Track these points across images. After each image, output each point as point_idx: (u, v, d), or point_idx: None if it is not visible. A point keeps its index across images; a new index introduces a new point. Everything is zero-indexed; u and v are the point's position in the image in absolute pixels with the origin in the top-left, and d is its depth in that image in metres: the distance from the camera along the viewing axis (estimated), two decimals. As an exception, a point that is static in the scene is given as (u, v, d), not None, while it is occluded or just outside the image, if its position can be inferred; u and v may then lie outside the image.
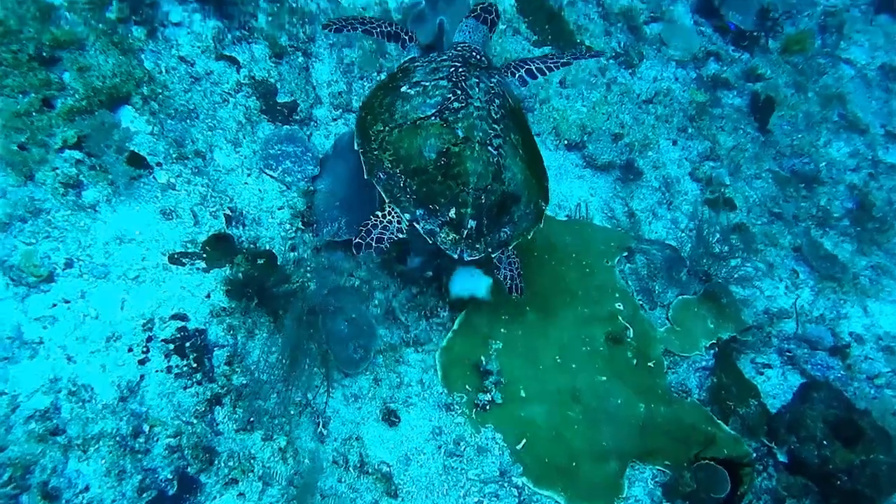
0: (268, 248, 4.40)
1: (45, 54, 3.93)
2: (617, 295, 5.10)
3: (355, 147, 3.95)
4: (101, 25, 4.20)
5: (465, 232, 3.69)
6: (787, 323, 5.74)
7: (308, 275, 4.23)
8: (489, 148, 3.73)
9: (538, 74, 4.76)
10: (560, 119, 6.32)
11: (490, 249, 3.82)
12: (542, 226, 4.15)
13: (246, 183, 4.58)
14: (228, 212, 4.31)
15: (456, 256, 3.75)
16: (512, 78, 4.66)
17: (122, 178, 3.87)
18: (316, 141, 5.10)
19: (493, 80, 4.10)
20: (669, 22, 7.74)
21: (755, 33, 7.58)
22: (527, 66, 4.72)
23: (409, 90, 3.93)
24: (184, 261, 3.95)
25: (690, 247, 5.60)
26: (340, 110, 5.31)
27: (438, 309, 4.66)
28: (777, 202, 6.68)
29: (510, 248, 3.99)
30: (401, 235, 3.79)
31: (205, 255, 4.00)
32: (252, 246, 4.32)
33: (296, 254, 4.51)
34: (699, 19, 8.09)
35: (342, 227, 4.60)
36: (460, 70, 4.00)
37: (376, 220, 3.77)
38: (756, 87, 7.73)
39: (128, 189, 3.93)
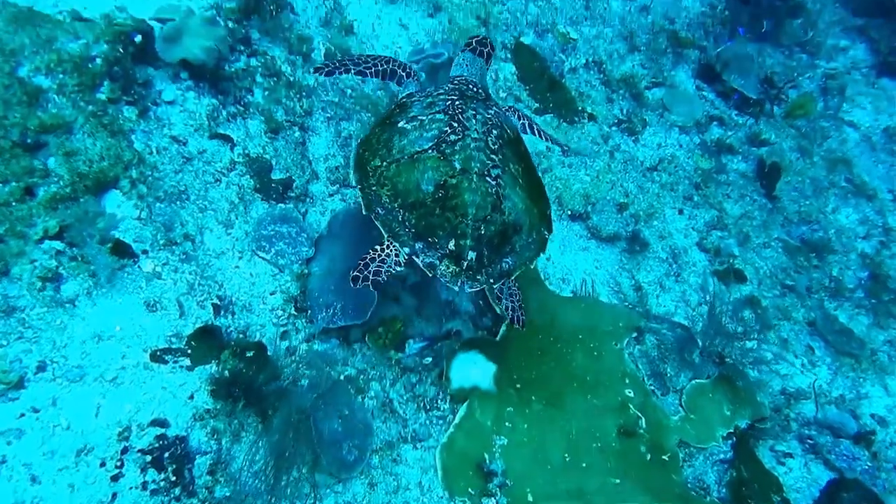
0: (258, 337, 4.16)
1: (29, 140, 3.76)
2: (627, 381, 4.82)
3: (353, 183, 3.85)
4: (90, 107, 4.05)
5: (466, 263, 3.59)
6: (806, 404, 5.45)
7: (300, 368, 3.97)
8: (487, 178, 3.67)
9: (531, 132, 4.73)
10: (563, 188, 6.15)
11: (492, 280, 3.69)
12: (545, 254, 4.04)
13: (237, 267, 4.36)
14: (217, 300, 4.07)
15: (457, 289, 3.63)
16: (515, 119, 4.61)
17: (104, 270, 3.65)
18: (311, 218, 4.91)
19: (490, 111, 4.06)
20: (671, 87, 7.66)
21: (759, 99, 7.46)
22: (528, 121, 4.73)
23: (406, 125, 3.88)
24: (167, 358, 3.69)
25: (702, 325, 5.35)
26: (337, 185, 5.13)
27: (439, 400, 4.38)
28: (788, 273, 6.45)
29: (512, 278, 3.88)
30: (399, 269, 3.69)
31: (189, 351, 3.75)
32: (241, 336, 4.08)
33: (288, 342, 4.26)
34: (701, 84, 8.03)
35: (337, 313, 4.37)
36: (457, 103, 3.96)
37: (374, 254, 3.67)
38: (761, 151, 7.61)
39: (110, 280, 3.70)
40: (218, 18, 4.92)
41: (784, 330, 5.96)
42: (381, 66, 4.50)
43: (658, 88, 7.61)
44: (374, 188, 3.72)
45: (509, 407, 4.41)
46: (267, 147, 4.85)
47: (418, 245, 3.60)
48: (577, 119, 6.69)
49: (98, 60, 4.15)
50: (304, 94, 5.27)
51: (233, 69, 4.99)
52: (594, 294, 5.56)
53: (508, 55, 6.81)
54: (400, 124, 3.91)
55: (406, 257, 3.65)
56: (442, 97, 4.06)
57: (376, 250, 3.69)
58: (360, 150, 3.94)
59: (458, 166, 3.65)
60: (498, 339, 4.82)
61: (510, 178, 3.80)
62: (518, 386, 4.57)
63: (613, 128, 6.89)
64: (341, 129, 5.32)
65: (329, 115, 5.33)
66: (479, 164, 3.68)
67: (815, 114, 8.26)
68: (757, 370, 5.25)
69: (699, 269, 6.24)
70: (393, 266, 3.66)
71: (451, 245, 3.58)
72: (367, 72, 4.47)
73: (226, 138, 4.67)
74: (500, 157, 3.82)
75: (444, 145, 3.71)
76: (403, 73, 4.53)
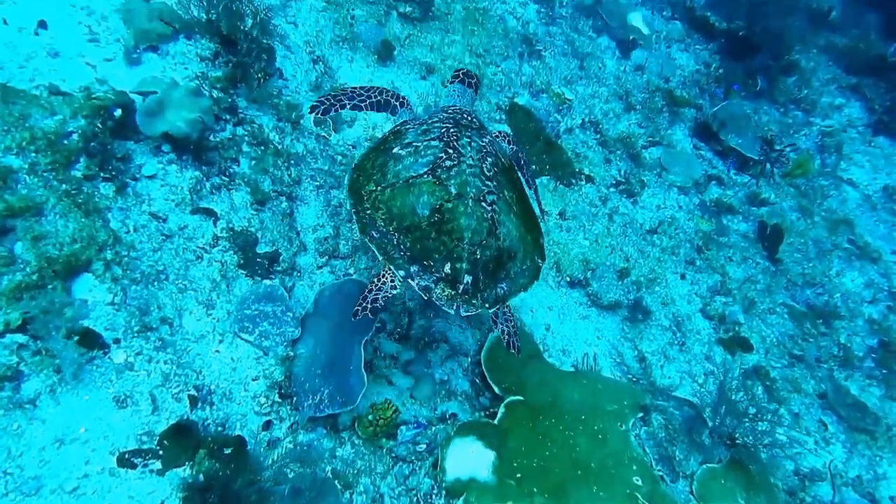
0: (238, 428, 3.85)
1: (-6, 224, 3.51)
2: (634, 467, 4.51)
3: (347, 207, 3.79)
4: (63, 186, 3.82)
5: (462, 287, 3.53)
6: (822, 486, 5.13)
7: (283, 465, 3.66)
8: (483, 204, 3.63)
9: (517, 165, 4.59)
10: (561, 254, 5.93)
11: (487, 305, 3.63)
12: (539, 282, 4.04)
13: (217, 351, 4.07)
14: (194, 391, 3.77)
15: (452, 312, 3.54)
16: (505, 145, 4.60)
17: (70, 365, 3.37)
18: (299, 293, 4.65)
19: (484, 139, 4.06)
20: (669, 147, 7.55)
21: (759, 159, 7.33)
22: (518, 151, 4.66)
23: (400, 151, 3.86)
24: (135, 461, 3.37)
25: (711, 402, 5.07)
26: (326, 257, 4.89)
27: (433, 496, 4.05)
28: (796, 341, 6.21)
29: (507, 303, 3.82)
30: (394, 292, 3.68)
31: (161, 452, 3.43)
32: (220, 429, 3.77)
33: (270, 434, 3.94)
34: (698, 143, 7.93)
35: (325, 400, 4.07)
36: (451, 130, 3.96)
37: (372, 286, 3.68)
38: (761, 211, 7.46)
39: (77, 376, 3.41)
40: (203, 89, 4.75)
41: (795, 403, 5.68)
42: (375, 97, 4.48)
43: (655, 148, 7.49)
44: (368, 212, 3.68)
45: (510, 501, 4.08)
46: (252, 219, 4.62)
47: (413, 268, 3.55)
48: (574, 181, 6.52)
49: (75, 136, 3.94)
50: (292, 162, 5.07)
51: (218, 139, 4.80)
52: (596, 368, 5.28)
53: (503, 116, 6.68)
54: (395, 150, 3.88)
55: (401, 280, 3.61)
56: (437, 125, 4.04)
57: (374, 282, 3.69)
58: (354, 174, 3.90)
59: (453, 191, 3.61)
60: (497, 421, 4.53)
61: (505, 205, 3.76)
62: (518, 476, 4.25)
63: (612, 189, 6.72)
64: (331, 198, 5.11)
65: (318, 183, 5.13)
66: (474, 190, 3.65)
67: (814, 173, 8.14)
68: (770, 452, 4.94)
69: (704, 338, 5.99)
70: (389, 291, 3.65)
71: (447, 268, 3.52)
72: (362, 104, 4.44)
73: (209, 212, 4.44)
74: (495, 183, 3.78)
75: (439, 170, 3.67)
76: (397, 103, 4.53)
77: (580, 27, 8.39)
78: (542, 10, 8.22)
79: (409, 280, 3.54)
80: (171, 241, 4.21)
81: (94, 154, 4.04)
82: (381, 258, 3.62)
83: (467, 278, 3.52)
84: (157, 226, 4.19)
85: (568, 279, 5.82)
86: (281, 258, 4.64)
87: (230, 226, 4.49)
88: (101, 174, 4.06)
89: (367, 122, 5.89)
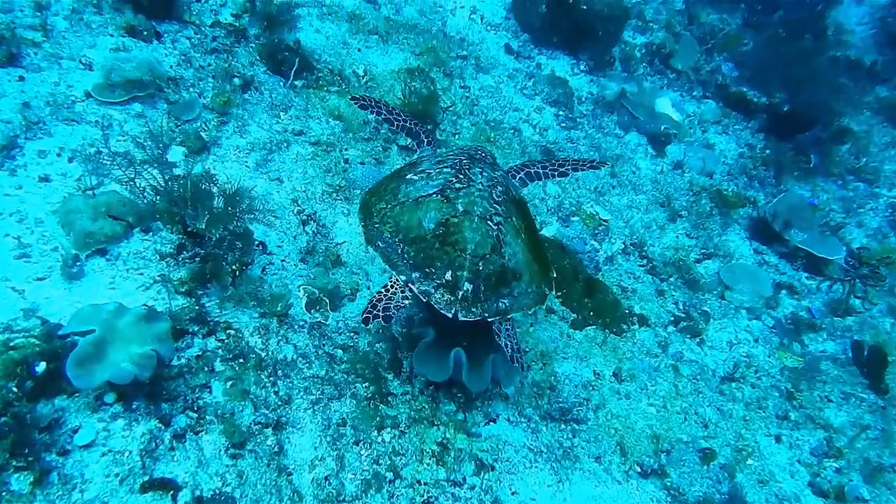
0: None
1: None
2: None
3: (358, 221, 4.02)
4: (-42, 497, 2.76)
5: (461, 294, 3.59)
6: None
7: None
8: (489, 222, 3.73)
9: (535, 178, 4.65)
10: (624, 429, 4.68)
11: (487, 315, 3.65)
12: (544, 306, 4.23)
13: None
14: None
15: (450, 315, 3.59)
16: (514, 181, 4.53)
17: None
18: (296, 561, 3.47)
19: (497, 172, 4.14)
20: (726, 258, 6.33)
21: (847, 278, 6.03)
22: (526, 170, 4.65)
23: (413, 177, 3.99)
24: None
25: None
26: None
27: None
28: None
29: (508, 317, 3.79)
30: (407, 302, 3.64)
31: None
32: None
33: None
34: (759, 247, 6.70)
35: None
36: (464, 161, 4.07)
37: (381, 294, 3.64)
38: (847, 322, 6.13)
39: None
40: (162, 294, 3.75)
41: None
42: (409, 123, 4.69)
43: (711, 261, 6.29)
44: (377, 225, 3.80)
45: None
46: (228, 474, 3.50)
47: (415, 274, 3.62)
48: (625, 326, 5.32)
49: (-27, 421, 2.91)
50: (279, 374, 3.99)
51: (182, 361, 3.76)
52: None
53: (531, 255, 5.55)
54: (408, 176, 4.00)
55: (405, 285, 3.64)
56: (451, 157, 4.16)
57: (381, 291, 3.66)
58: (367, 196, 4.05)
59: (460, 208, 3.73)
60: None
61: (512, 229, 3.82)
62: None
63: (670, 328, 5.49)
64: (331, 415, 3.99)
65: (314, 396, 4.02)
66: (481, 209, 3.74)
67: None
68: None
69: (822, 526, 4.61)
70: (401, 300, 3.62)
71: (448, 275, 3.59)
72: (395, 123, 4.68)
73: (166, 485, 3.33)
74: (504, 208, 3.86)
75: (448, 191, 3.80)
76: (425, 139, 4.66)
77: (604, 126, 7.37)
78: (561, 112, 7.23)
79: (411, 285, 3.61)
80: (114, 544, 3.09)
81: (4, 434, 3.00)
82: (384, 263, 3.72)
83: (468, 286, 3.58)
84: (94, 524, 3.08)
85: (637, 467, 4.54)
86: (268, 518, 3.49)
87: (197, 494, 3.36)
88: (14, 462, 2.99)
89: (370, 290, 4.83)
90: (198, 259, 4.11)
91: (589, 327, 5.20)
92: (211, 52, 5.84)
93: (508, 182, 4.21)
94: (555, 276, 4.06)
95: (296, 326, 4.31)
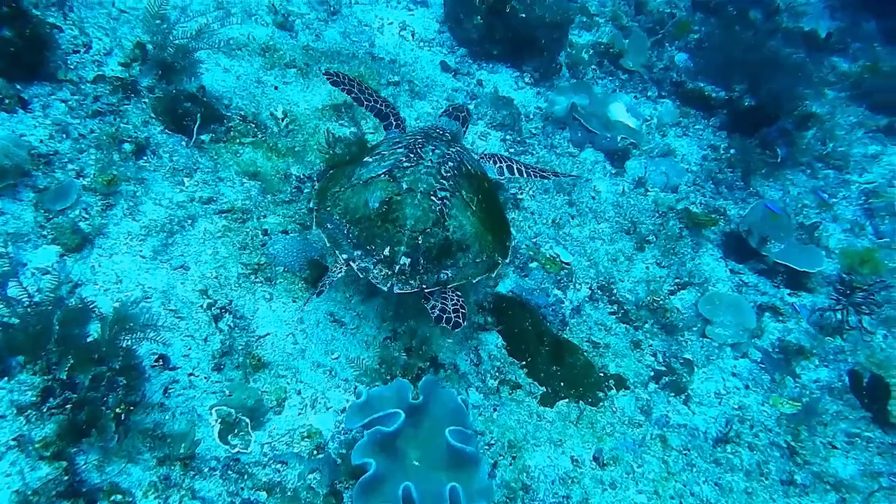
0: None
1: None
2: None
3: (310, 206, 4.44)
4: None
5: (398, 268, 3.66)
6: None
7: None
8: (432, 198, 3.76)
9: (515, 173, 4.80)
10: (611, 524, 3.91)
11: (425, 286, 3.71)
12: (493, 275, 4.13)
13: None
14: None
15: (385, 289, 3.66)
16: (490, 164, 4.74)
17: None
18: None
19: (451, 149, 4.15)
20: (702, 285, 5.56)
21: (837, 307, 5.31)
22: (507, 163, 4.80)
23: (369, 159, 4.07)
24: None
25: None
26: None
27: None
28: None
29: (449, 288, 3.79)
30: (339, 275, 3.77)
31: None
32: None
33: None
34: (735, 266, 5.95)
35: None
36: (419, 141, 4.13)
37: (325, 276, 3.78)
38: (839, 343, 5.43)
39: None
40: (15, 487, 2.82)
41: None
42: (380, 105, 4.84)
43: (686, 290, 5.53)
44: (328, 208, 3.92)
45: None
46: None
47: (357, 252, 3.73)
48: (602, 394, 4.53)
49: None
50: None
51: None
52: None
53: (488, 319, 4.71)
54: (365, 159, 4.10)
55: (344, 263, 3.73)
56: (408, 138, 4.22)
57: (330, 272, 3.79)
58: (324, 181, 4.18)
59: (404, 186, 3.77)
60: None
61: (460, 202, 3.86)
62: None
63: (651, 386, 4.72)
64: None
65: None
66: (425, 185, 3.78)
67: (884, 267, 6.13)
68: None
69: None
70: (335, 275, 3.75)
71: (386, 251, 3.67)
72: (367, 102, 4.83)
73: None
74: (451, 183, 3.88)
75: (395, 170, 3.85)
76: (394, 121, 4.80)
77: (556, 144, 6.52)
78: (508, 136, 6.36)
79: (351, 262, 3.71)
80: None
81: None
82: (328, 245, 3.82)
83: (404, 260, 3.64)
84: None
85: (631, 573, 3.78)
86: None
87: None
88: None
89: (300, 395, 3.95)
90: (69, 407, 3.18)
91: (561, 401, 4.40)
92: (94, 115, 4.82)
93: (465, 157, 4.22)
94: (512, 244, 4.19)
95: (205, 469, 3.42)
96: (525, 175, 4.80)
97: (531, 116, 6.70)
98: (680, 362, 4.84)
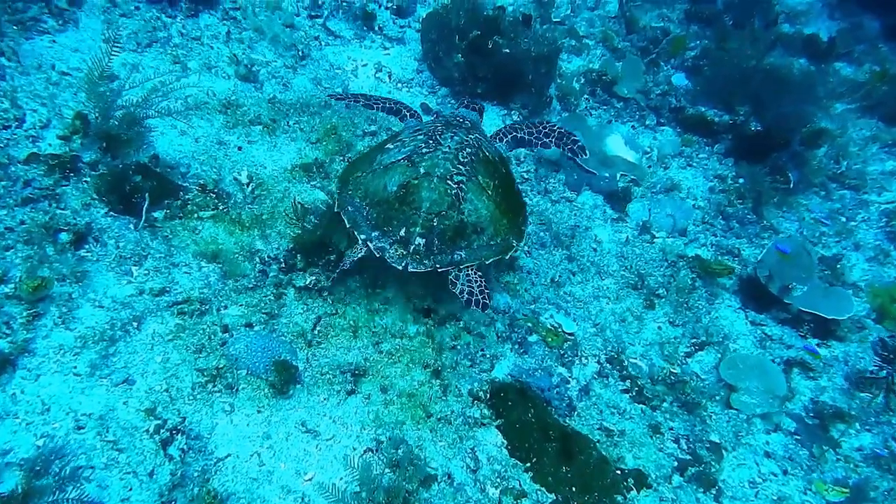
0: None
1: None
2: None
3: (333, 190, 4.50)
4: None
5: (413, 248, 3.75)
6: None
7: None
8: (448, 182, 3.83)
9: (522, 144, 4.81)
10: None
11: (439, 266, 3.77)
12: (507, 258, 4.14)
13: None
14: None
15: (401, 268, 3.73)
16: (501, 144, 4.76)
17: None
18: None
19: (471, 136, 4.22)
20: (721, 344, 4.88)
21: (883, 376, 4.62)
22: (513, 134, 4.80)
23: (390, 146, 4.17)
24: None
25: None
26: None
27: None
28: None
29: (463, 267, 3.84)
30: (359, 255, 3.86)
31: None
32: None
33: None
34: (755, 317, 5.25)
35: None
36: (439, 128, 4.24)
37: (346, 254, 3.93)
38: (879, 400, 4.74)
39: None
40: None
41: None
42: (389, 104, 4.93)
43: (704, 351, 4.85)
44: (350, 192, 4.02)
45: None
46: None
47: (374, 233, 3.83)
48: (620, 497, 3.83)
49: None
50: None
51: None
52: None
53: (485, 412, 4.02)
54: (386, 146, 4.21)
55: (363, 244, 3.84)
56: (429, 125, 4.35)
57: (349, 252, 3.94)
58: (347, 167, 4.37)
59: (422, 171, 3.86)
60: None
61: (476, 187, 3.91)
62: None
63: (676, 480, 4.03)
64: None
65: None
66: (442, 170, 3.87)
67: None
68: None
69: None
70: (355, 255, 3.86)
71: (402, 232, 3.76)
72: (375, 106, 4.95)
73: None
74: (468, 168, 3.95)
75: (415, 156, 3.96)
76: (408, 113, 4.87)
77: (551, 189, 5.84)
78: (497, 184, 5.65)
79: (368, 243, 3.80)
80: None
81: None
82: (348, 225, 3.90)
83: (419, 240, 3.73)
84: None
85: None
86: None
87: None
88: None
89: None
90: None
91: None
92: (24, 202, 4.15)
93: (484, 144, 4.26)
94: (526, 228, 4.21)
95: None
96: (529, 144, 4.78)
97: (522, 158, 6.02)
98: (706, 447, 4.15)
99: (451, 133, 4.17)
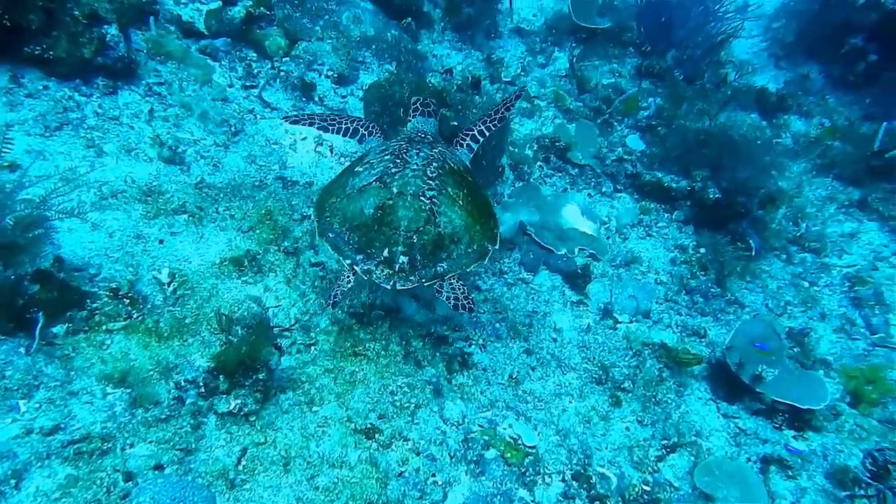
0: None
1: None
2: None
3: (312, 218, 4.54)
4: None
5: (398, 266, 3.78)
6: None
7: None
8: (422, 198, 3.88)
9: (481, 137, 4.84)
10: None
11: (424, 280, 3.84)
12: (486, 262, 4.14)
13: None
14: None
15: (389, 287, 3.78)
16: (462, 150, 4.82)
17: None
18: None
19: (434, 150, 4.28)
20: (693, 445, 4.46)
21: (874, 484, 4.28)
22: (470, 133, 4.84)
23: (359, 168, 4.20)
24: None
25: None
26: None
27: None
28: None
29: (447, 278, 3.92)
30: (350, 284, 3.89)
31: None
32: None
33: None
34: (727, 409, 4.88)
35: None
36: (403, 146, 4.28)
37: (335, 286, 3.93)
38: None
39: None
40: None
41: None
42: (345, 124, 4.85)
43: (676, 454, 4.42)
44: (328, 218, 4.01)
45: None
46: None
47: (359, 257, 3.85)
48: None
49: None
50: None
51: None
52: None
53: (436, 557, 3.48)
54: (356, 169, 4.22)
55: (350, 268, 3.85)
56: (393, 145, 4.35)
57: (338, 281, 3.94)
58: (321, 194, 4.29)
59: (395, 190, 3.90)
60: None
61: (447, 199, 3.98)
62: None
63: None
64: None
65: None
66: (414, 188, 3.91)
67: (891, 388, 5.15)
68: None
69: None
70: (346, 284, 3.88)
71: (386, 253, 3.79)
72: (331, 128, 4.85)
73: None
74: (437, 182, 4.00)
75: (385, 177, 3.99)
76: (365, 132, 4.85)
77: (506, 270, 5.42)
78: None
79: (354, 266, 3.83)
80: None
81: None
82: (332, 252, 3.93)
83: (403, 259, 3.77)
84: None
85: None
86: None
87: None
88: None
89: None
90: None
91: None
92: None
93: (447, 156, 4.33)
94: (498, 231, 4.23)
95: None
96: (488, 133, 4.82)
97: (474, 236, 5.59)
98: (685, 579, 3.68)
99: (416, 149, 4.22)
